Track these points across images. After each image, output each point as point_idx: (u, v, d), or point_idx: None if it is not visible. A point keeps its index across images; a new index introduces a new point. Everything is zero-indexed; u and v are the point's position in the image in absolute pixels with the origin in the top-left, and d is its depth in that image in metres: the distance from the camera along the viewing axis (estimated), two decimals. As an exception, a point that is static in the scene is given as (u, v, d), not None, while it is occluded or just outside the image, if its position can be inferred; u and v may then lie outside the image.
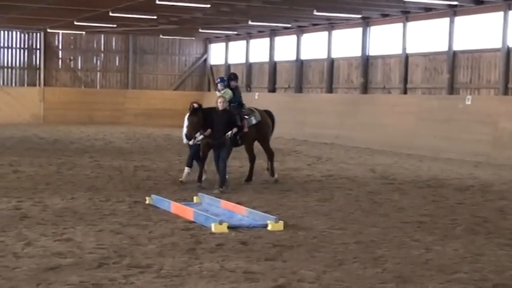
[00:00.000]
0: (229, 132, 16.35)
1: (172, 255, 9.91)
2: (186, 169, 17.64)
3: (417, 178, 20.23)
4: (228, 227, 11.81)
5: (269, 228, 11.96)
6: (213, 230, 11.65)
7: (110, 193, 15.73)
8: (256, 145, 18.73)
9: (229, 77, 18.64)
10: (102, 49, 48.01)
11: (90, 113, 45.28)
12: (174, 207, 13.53)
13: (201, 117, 16.46)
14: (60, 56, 47.30)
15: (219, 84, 18.13)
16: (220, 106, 16.46)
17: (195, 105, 16.56)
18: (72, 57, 47.48)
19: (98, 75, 48.06)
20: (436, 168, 23.05)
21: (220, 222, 11.81)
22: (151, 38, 48.30)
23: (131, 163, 21.99)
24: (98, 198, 14.91)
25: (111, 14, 33.37)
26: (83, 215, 12.95)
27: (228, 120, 16.45)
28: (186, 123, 16.91)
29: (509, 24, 27.25)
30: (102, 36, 47.45)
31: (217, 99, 16.77)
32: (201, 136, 16.61)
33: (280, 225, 12.09)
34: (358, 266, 9.66)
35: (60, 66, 47.28)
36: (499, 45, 27.65)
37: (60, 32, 45.85)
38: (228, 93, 17.77)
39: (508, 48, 27.33)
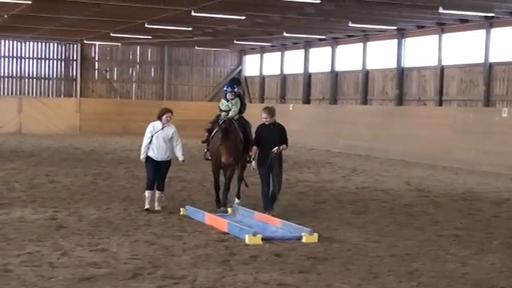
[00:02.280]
0: (276, 148, 14.19)
1: (207, 267, 9.92)
2: (147, 193, 14.95)
3: (453, 191, 20.07)
4: (262, 239, 11.80)
5: (303, 240, 11.94)
6: (247, 241, 11.65)
7: (145, 204, 15.76)
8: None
9: (236, 83, 16.01)
10: (138, 60, 48.28)
11: (126, 123, 45.48)
12: (208, 218, 13.55)
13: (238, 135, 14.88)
14: (96, 67, 47.66)
15: (228, 94, 15.36)
16: (266, 121, 14.40)
17: (168, 115, 14.90)
18: (108, 68, 47.83)
19: (134, 86, 48.34)
20: (472, 181, 22.86)
21: (255, 234, 11.81)
22: (186, 50, 48.51)
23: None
24: (133, 209, 14.99)
25: (147, 25, 33.55)
26: (118, 226, 13.03)
27: (280, 136, 14.40)
28: (147, 134, 14.88)
29: (547, 36, 26.99)
30: (138, 47, 47.74)
31: (261, 113, 14.48)
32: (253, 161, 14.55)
33: (314, 238, 12.06)
34: (393, 279, 9.60)
35: (96, 77, 47.64)
36: (536, 57, 27.39)
37: (97, 43, 46.23)
38: (238, 104, 15.38)
39: (545, 60, 27.05)
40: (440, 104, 32.23)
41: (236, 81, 16.18)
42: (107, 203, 15.73)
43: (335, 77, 39.84)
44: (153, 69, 48.59)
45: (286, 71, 45.05)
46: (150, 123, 15.12)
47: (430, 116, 31.28)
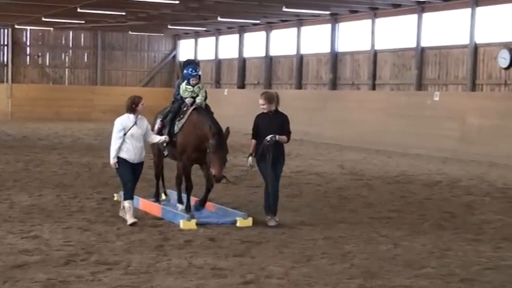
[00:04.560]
0: (270, 137, 12.07)
1: (140, 252, 9.88)
2: (127, 204, 12.10)
3: (385, 174, 20.32)
4: (197, 224, 11.80)
5: (238, 224, 11.97)
6: (181, 226, 11.65)
7: (78, 190, 15.66)
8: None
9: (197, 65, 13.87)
10: (71, 45, 47.68)
11: (59, 109, 44.91)
12: (143, 204, 13.50)
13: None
14: (28, 53, 46.94)
15: (191, 78, 13.05)
16: (264, 109, 12.42)
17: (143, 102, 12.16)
18: (40, 54, 47.12)
19: (66, 71, 47.74)
20: (405, 164, 23.17)
21: (189, 219, 11.80)
22: (119, 34, 48.04)
23: (100, 160, 21.84)
24: (66, 195, 14.84)
25: (79, 10, 33.10)
26: (51, 212, 12.88)
27: (281, 126, 12.38)
28: (118, 133, 12.08)
29: (477, 20, 27.43)
30: (71, 32, 47.11)
31: (259, 99, 12.52)
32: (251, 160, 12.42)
33: (249, 222, 12.11)
34: (326, 261, 9.69)
35: (28, 63, 46.92)
36: (466, 41, 27.80)
37: (28, 28, 45.50)
38: (204, 89, 13.27)
39: (476, 44, 27.50)
40: (374, 88, 32.55)
41: (196, 63, 13.93)
42: (39, 190, 15.53)
43: (269, 61, 39.92)
44: (86, 54, 48.04)
45: (220, 56, 44.98)
46: (117, 120, 12.21)
47: (363, 100, 31.59)
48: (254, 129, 12.39)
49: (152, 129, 12.94)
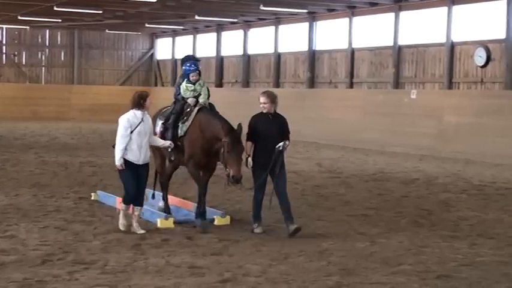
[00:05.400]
0: (282, 144, 11.37)
1: (118, 251, 9.86)
2: (124, 207, 11.50)
3: (363, 172, 20.38)
4: (174, 222, 11.78)
5: (215, 222, 11.96)
6: (158, 225, 11.62)
7: (55, 189, 15.57)
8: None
9: (197, 60, 13.13)
10: (47, 44, 47.48)
11: (35, 108, 44.66)
12: (120, 202, 13.42)
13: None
14: (4, 51, 46.66)
15: (191, 74, 12.20)
16: (265, 108, 11.53)
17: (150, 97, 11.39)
18: (16, 52, 46.86)
19: (43, 70, 47.55)
20: (382, 161, 23.26)
21: (166, 218, 11.79)
22: (96, 33, 47.89)
23: (77, 159, 21.79)
24: (43, 195, 14.76)
25: (56, 8, 32.97)
26: (27, 212, 12.80)
27: (281, 129, 11.62)
28: (125, 131, 11.18)
29: (453, 19, 27.58)
30: (47, 31, 46.91)
31: (259, 98, 11.60)
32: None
33: (226, 220, 12.12)
34: (303, 259, 9.71)
35: (4, 62, 46.64)
36: (443, 40, 27.95)
37: (4, 26, 45.27)
38: (206, 86, 12.49)
39: (452, 43, 27.65)
40: (351, 86, 32.64)
41: (195, 58, 13.18)
42: (15, 189, 15.43)
43: (247, 60, 39.93)
44: (63, 53, 47.83)
45: (198, 55, 44.85)
46: (122, 117, 11.30)
47: (341, 98, 31.67)
48: (251, 130, 11.41)
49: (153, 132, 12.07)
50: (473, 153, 24.32)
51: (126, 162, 11.16)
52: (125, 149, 11.13)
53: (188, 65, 12.32)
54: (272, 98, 11.51)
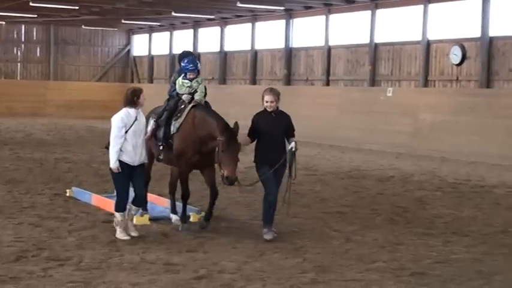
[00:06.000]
0: (294, 144, 11.49)
1: (93, 248, 9.83)
2: (119, 216, 10.75)
3: (339, 169, 20.44)
4: (150, 219, 11.76)
5: (191, 219, 11.94)
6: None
7: (30, 186, 15.49)
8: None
9: (196, 58, 12.55)
10: (23, 39, 47.05)
11: (11, 104, 44.27)
12: (95, 199, 13.41)
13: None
14: (-21, 47, 46.32)
15: (189, 73, 11.69)
16: (270, 107, 11.10)
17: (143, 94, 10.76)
18: (-9, 48, 46.51)
19: (19, 66, 47.12)
20: (358, 159, 23.33)
21: (142, 214, 11.75)
22: (73, 29, 47.59)
23: (52, 155, 21.68)
24: (18, 191, 14.67)
25: (31, 3, 32.71)
26: (2, 208, 12.73)
27: (285, 128, 11.39)
28: (120, 131, 10.47)
29: (429, 17, 27.70)
30: (23, 26, 46.51)
31: (263, 96, 11.13)
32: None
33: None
34: (279, 256, 9.73)
35: (-21, 57, 46.29)
36: (419, 38, 28.07)
37: (-21, 21, 44.89)
38: (203, 83, 12.04)
39: (428, 41, 27.77)
40: (328, 83, 32.70)
41: (194, 56, 12.56)
42: (-10, 186, 15.35)
43: (224, 57, 39.89)
44: (38, 48, 47.48)
45: (175, 51, 44.77)
46: (115, 116, 10.62)
47: (317, 95, 31.72)
48: (252, 129, 11.03)
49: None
50: (448, 151, 24.48)
51: (121, 164, 10.48)
52: (120, 150, 10.45)
53: (186, 62, 11.76)
54: (278, 96, 11.12)
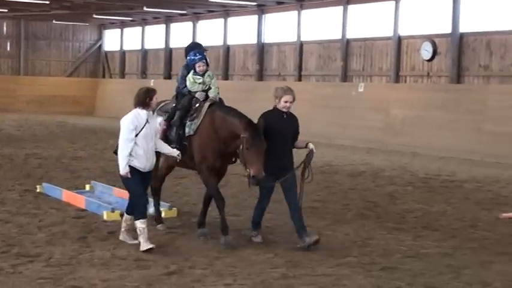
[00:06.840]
0: (312, 146, 10.97)
1: (63, 244, 9.77)
2: (139, 224, 9.71)
3: (311, 164, 20.40)
4: (121, 215, 11.68)
5: (162, 215, 11.88)
6: (105, 218, 11.54)
7: (0, 182, 15.35)
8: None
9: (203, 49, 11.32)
10: (-7, 34, 46.75)
11: (-20, 100, 44.01)
12: (66, 195, 13.33)
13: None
14: None
15: (197, 64, 10.79)
16: (286, 107, 10.56)
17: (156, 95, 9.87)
18: (-40, 42, 46.09)
19: (-12, 61, 46.80)
20: (330, 154, 23.39)
21: (113, 210, 11.70)
22: (43, 24, 47.29)
23: (22, 151, 21.53)
24: (-13, 187, 14.55)
25: (1, -2, 32.56)
26: (-29, 204, 12.63)
27: (295, 130, 10.78)
28: (130, 134, 9.61)
29: (401, 13, 27.84)
30: (-7, 20, 46.21)
31: (281, 96, 10.60)
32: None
33: (173, 213, 12.09)
34: (251, 251, 9.73)
35: None
36: (390, 33, 28.20)
37: (-52, 16, 44.47)
38: (214, 78, 11.19)
39: (399, 37, 27.91)
40: (300, 79, 32.76)
41: (201, 46, 11.35)
42: (-41, 182, 15.22)
43: (196, 52, 39.75)
44: (8, 43, 47.10)
45: (147, 46, 44.67)
46: (124, 118, 9.75)
47: (289, 91, 31.71)
48: (261, 128, 10.06)
49: None
50: (419, 146, 24.62)
51: (132, 169, 9.64)
52: (130, 154, 9.64)
53: (195, 53, 10.83)
54: (295, 96, 10.52)
